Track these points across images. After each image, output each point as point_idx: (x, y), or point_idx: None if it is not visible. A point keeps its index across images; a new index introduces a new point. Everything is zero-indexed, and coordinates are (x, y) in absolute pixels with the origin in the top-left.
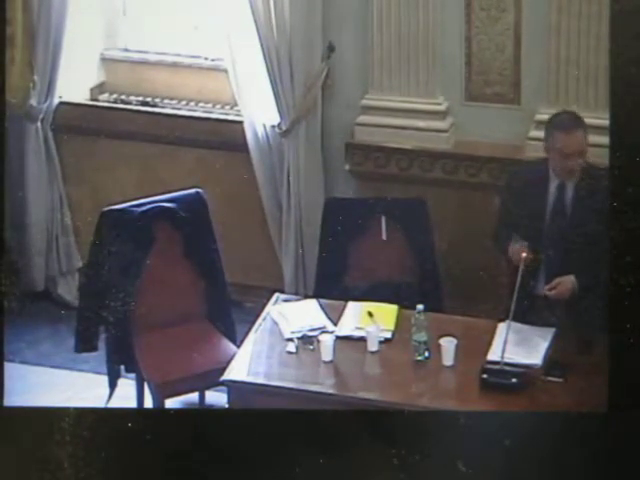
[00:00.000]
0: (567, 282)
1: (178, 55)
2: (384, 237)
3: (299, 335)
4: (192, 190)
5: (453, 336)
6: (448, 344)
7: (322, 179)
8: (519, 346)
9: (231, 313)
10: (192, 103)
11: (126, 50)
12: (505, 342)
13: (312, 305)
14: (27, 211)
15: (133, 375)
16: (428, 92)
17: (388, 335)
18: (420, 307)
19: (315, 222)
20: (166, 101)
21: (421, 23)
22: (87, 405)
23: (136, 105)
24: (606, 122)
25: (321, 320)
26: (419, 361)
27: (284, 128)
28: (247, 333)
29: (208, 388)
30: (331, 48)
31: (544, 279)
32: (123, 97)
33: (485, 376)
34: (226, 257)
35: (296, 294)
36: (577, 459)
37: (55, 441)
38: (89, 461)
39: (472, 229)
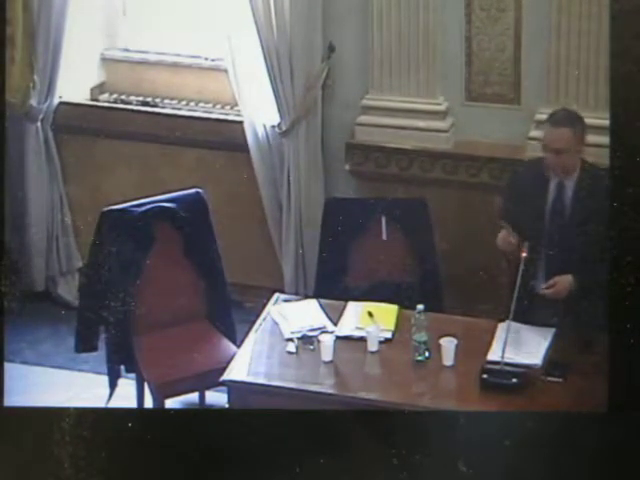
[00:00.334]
0: (564, 281)
1: (178, 55)
2: (384, 237)
3: (299, 335)
4: (192, 190)
5: (453, 336)
6: (448, 344)
7: (322, 179)
8: (519, 346)
9: (231, 313)
10: (192, 103)
11: (126, 50)
12: (505, 342)
13: (312, 305)
14: (27, 211)
15: (133, 375)
16: (428, 92)
17: (388, 335)
18: (420, 307)
19: (315, 222)
20: (166, 101)
21: (421, 23)
22: (87, 405)
23: (136, 105)
24: (606, 122)
25: (321, 320)
26: (419, 361)
27: (284, 128)
28: (247, 333)
29: (208, 388)
30: (331, 48)
31: (543, 278)
32: (123, 97)
33: (485, 376)
34: (226, 257)
35: (296, 294)
36: (577, 459)
37: (55, 441)
38: (89, 461)
39: (472, 229)
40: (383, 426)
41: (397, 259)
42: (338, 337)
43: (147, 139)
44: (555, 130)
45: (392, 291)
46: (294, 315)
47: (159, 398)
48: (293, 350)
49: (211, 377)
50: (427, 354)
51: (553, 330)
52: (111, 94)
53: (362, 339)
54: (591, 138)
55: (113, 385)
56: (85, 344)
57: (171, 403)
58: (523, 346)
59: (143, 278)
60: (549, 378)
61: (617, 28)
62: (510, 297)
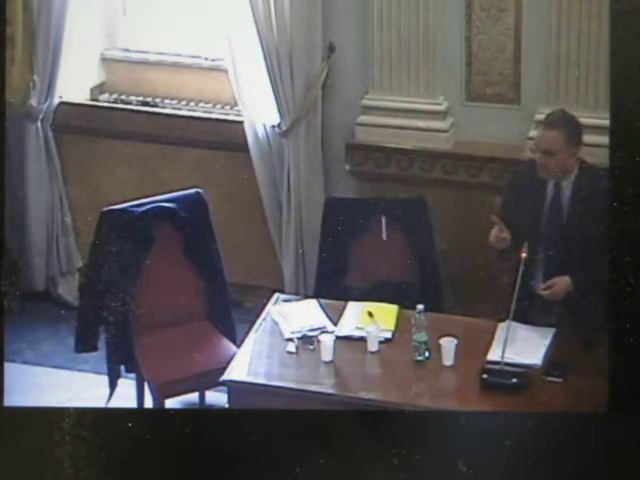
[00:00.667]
0: (562, 282)
1: (178, 55)
2: (384, 237)
3: (299, 335)
4: (192, 190)
5: (453, 336)
6: (448, 344)
7: (322, 179)
8: (519, 346)
9: (231, 313)
10: (192, 103)
11: (126, 50)
12: (505, 342)
13: (312, 305)
14: (27, 211)
15: (133, 375)
16: (428, 92)
17: (388, 335)
18: (420, 307)
19: (315, 222)
20: (166, 101)
21: (421, 23)
22: (87, 405)
23: (136, 105)
24: (606, 122)
25: (321, 320)
26: (419, 361)
27: (284, 128)
28: (247, 333)
29: (208, 388)
30: (331, 48)
31: (542, 279)
32: (123, 97)
33: (485, 376)
34: (226, 257)
35: (296, 294)
36: (577, 459)
37: (55, 441)
38: (89, 461)
39: (472, 229)
40: (383, 426)
41: (397, 259)
42: (338, 337)
43: (147, 139)
44: (546, 132)
45: (392, 291)
46: (294, 315)
47: (159, 398)
48: (293, 350)
49: (211, 377)
50: (427, 354)
51: (553, 330)
52: (111, 94)
53: (362, 339)
54: (591, 138)
55: (113, 385)
56: (85, 344)
57: (171, 403)
58: (523, 346)
59: (143, 278)
60: (549, 378)
61: (617, 28)
62: (510, 297)
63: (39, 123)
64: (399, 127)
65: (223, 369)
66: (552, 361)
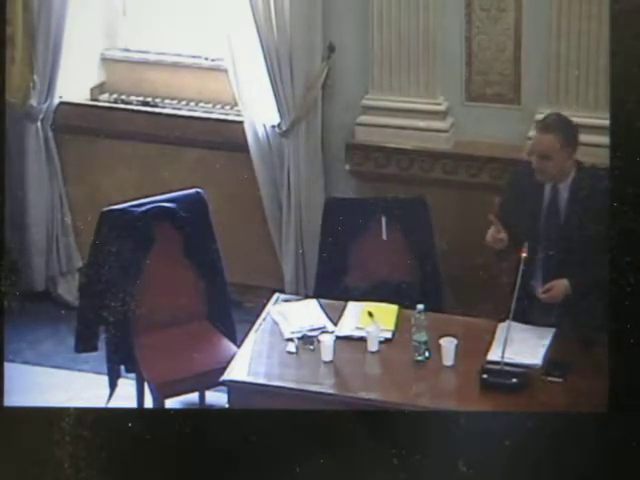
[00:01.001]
0: (559, 286)
1: (178, 55)
2: (384, 237)
3: (299, 335)
4: (192, 190)
5: (453, 336)
6: (448, 344)
7: (322, 179)
8: (519, 346)
9: (231, 313)
10: (192, 103)
11: (126, 50)
12: (505, 342)
13: (312, 305)
14: (27, 211)
15: (133, 375)
16: (428, 92)
17: (388, 335)
18: (420, 307)
19: (315, 222)
20: (166, 101)
21: (421, 23)
22: (87, 405)
23: (136, 105)
24: (606, 122)
25: (321, 320)
26: (419, 361)
27: (284, 128)
28: (247, 333)
29: (208, 388)
30: (331, 48)
31: (541, 279)
32: (123, 97)
33: (485, 376)
34: (226, 257)
35: (296, 294)
36: (577, 459)
37: (55, 441)
38: (89, 461)
39: (472, 229)
40: (383, 426)
41: (397, 259)
42: (338, 337)
43: (147, 139)
44: (542, 136)
45: (392, 291)
46: (294, 315)
47: (159, 398)
48: (293, 350)
49: (211, 377)
50: (427, 354)
51: (553, 330)
52: (111, 94)
53: (362, 339)
54: (591, 138)
55: (113, 385)
56: (85, 344)
57: (171, 403)
58: (523, 346)
59: (143, 278)
60: (549, 378)
61: (617, 28)
62: (510, 297)
63: (39, 123)
64: (399, 127)
65: (223, 369)
66: (552, 361)
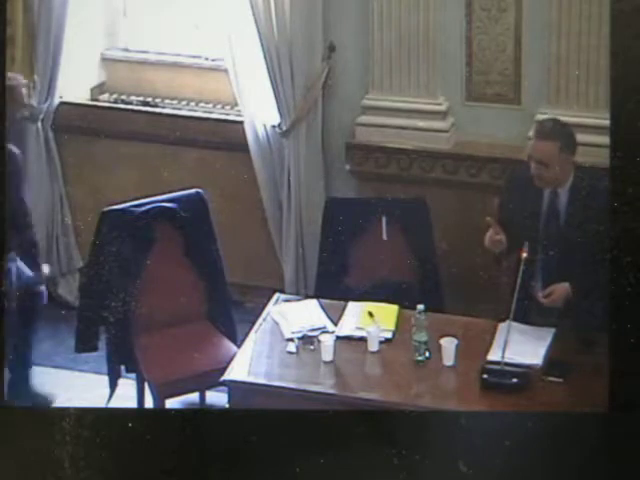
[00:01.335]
0: (560, 290)
1: (178, 55)
2: (385, 237)
3: (299, 335)
4: (192, 190)
5: (454, 336)
6: (449, 344)
7: (322, 179)
8: (519, 346)
9: (232, 313)
10: (192, 103)
11: (126, 50)
12: (505, 342)
13: (312, 305)
14: (27, 211)
15: (133, 375)
16: (429, 92)
17: (388, 335)
18: (420, 307)
19: (315, 222)
20: (166, 101)
21: (422, 23)
22: (87, 405)
23: (136, 105)
24: (606, 122)
25: (321, 320)
26: (419, 361)
27: (284, 128)
28: (248, 333)
29: (208, 388)
30: (332, 48)
31: (540, 281)
32: (123, 97)
33: (485, 376)
34: (226, 257)
35: (297, 294)
36: (577, 459)
37: (55, 441)
38: (89, 461)
39: (472, 229)
40: (383, 426)
41: (397, 259)
42: (338, 337)
43: (147, 139)
44: (540, 143)
45: (392, 291)
46: (294, 315)
47: (159, 398)
48: (293, 350)
49: (211, 377)
50: (427, 354)
51: (553, 330)
52: (111, 94)
53: (362, 339)
54: (591, 138)
55: (113, 385)
56: (85, 344)
57: (171, 403)
58: (523, 346)
59: (143, 278)
60: (549, 378)
61: (617, 28)
62: (510, 297)
63: (39, 123)
64: (399, 127)
65: (223, 369)
66: (552, 361)
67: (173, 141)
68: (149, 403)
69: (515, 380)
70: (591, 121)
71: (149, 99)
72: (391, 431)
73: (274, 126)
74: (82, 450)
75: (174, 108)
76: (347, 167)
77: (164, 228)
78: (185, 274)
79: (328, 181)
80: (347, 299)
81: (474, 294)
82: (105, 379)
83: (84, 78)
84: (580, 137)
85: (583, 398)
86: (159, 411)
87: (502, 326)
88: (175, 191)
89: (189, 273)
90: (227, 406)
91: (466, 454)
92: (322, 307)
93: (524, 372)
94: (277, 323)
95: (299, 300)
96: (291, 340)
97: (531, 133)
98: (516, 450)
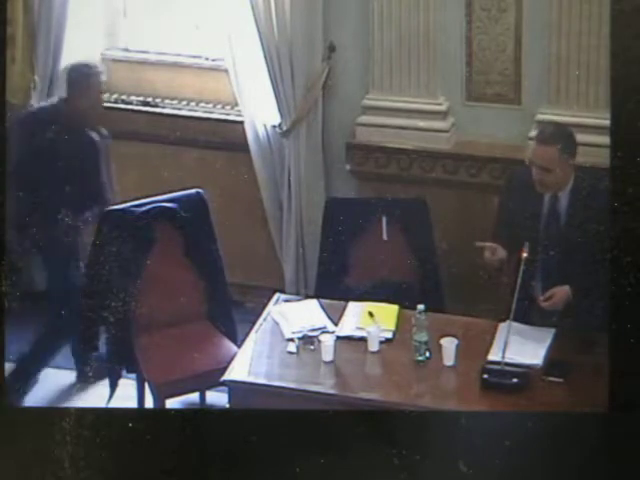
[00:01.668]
0: (560, 293)
1: (178, 55)
2: (385, 237)
3: (300, 335)
4: (193, 190)
5: (454, 336)
6: (449, 344)
7: (323, 179)
8: (520, 346)
9: (232, 313)
10: (193, 103)
11: (126, 50)
12: (506, 342)
13: (313, 305)
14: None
15: (134, 375)
16: (429, 92)
17: (389, 335)
18: (421, 307)
19: (316, 222)
20: (167, 101)
21: (422, 23)
22: (87, 405)
23: (136, 105)
24: (606, 122)
25: (322, 320)
26: (420, 361)
27: (285, 128)
28: (248, 333)
29: (209, 388)
30: (332, 48)
31: (541, 282)
32: (124, 97)
33: (486, 376)
34: (227, 257)
35: (297, 294)
36: (577, 459)
37: (56, 441)
38: (90, 461)
39: (472, 229)
40: (383, 426)
41: (397, 259)
42: (339, 337)
43: (147, 139)
44: (541, 148)
45: (392, 291)
46: (295, 315)
47: (160, 398)
48: (294, 350)
49: (212, 377)
50: (428, 354)
51: (553, 330)
52: (111, 94)
53: (363, 339)
54: (591, 138)
55: (113, 385)
56: (85, 344)
57: (171, 403)
58: (524, 346)
59: (144, 278)
60: (549, 378)
61: (617, 28)
62: (510, 297)
63: None
64: (400, 127)
65: (224, 369)
66: (552, 361)
67: (173, 141)
68: (149, 403)
69: (515, 380)
70: (591, 121)
71: (149, 99)
72: (391, 431)
73: (274, 126)
74: (82, 450)
75: (174, 108)
76: (347, 167)
77: (164, 228)
78: (185, 274)
79: (328, 181)
80: (347, 299)
81: (474, 294)
82: (105, 379)
83: None
84: (580, 137)
85: (583, 398)
86: (159, 411)
87: (502, 326)
88: (175, 191)
89: (189, 273)
90: (227, 406)
91: (466, 454)
92: (322, 307)
93: (524, 372)
94: (277, 323)
95: (299, 300)
96: (291, 340)
97: (531, 134)
98: (516, 450)
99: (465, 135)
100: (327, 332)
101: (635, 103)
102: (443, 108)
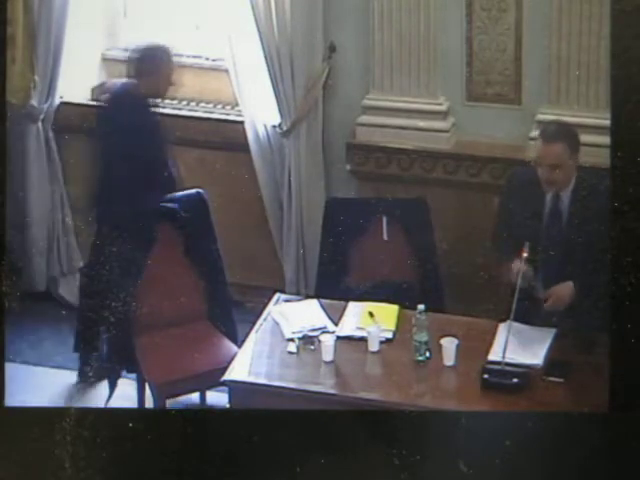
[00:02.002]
0: (563, 294)
1: (179, 55)
2: (385, 237)
3: (300, 335)
4: (193, 190)
5: (454, 336)
6: (449, 344)
7: (323, 179)
8: (520, 346)
9: (232, 313)
10: (193, 103)
11: (126, 50)
12: (506, 342)
13: (313, 305)
14: (28, 211)
15: (134, 375)
16: (429, 92)
17: (389, 335)
18: (421, 307)
19: (316, 222)
20: (167, 101)
21: (422, 23)
22: (87, 405)
23: None
24: (606, 122)
25: (322, 320)
26: (420, 361)
27: (285, 128)
28: (248, 333)
29: (209, 388)
30: (332, 48)
31: (542, 282)
32: None
33: (486, 376)
34: (227, 257)
35: (297, 294)
36: (577, 459)
37: (56, 441)
38: (90, 461)
39: (472, 229)
40: (384, 426)
41: (398, 259)
42: (339, 337)
43: None
44: (549, 146)
45: (393, 291)
46: (295, 315)
47: (160, 398)
48: (294, 350)
49: (212, 377)
50: (428, 354)
51: (554, 330)
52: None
53: (363, 339)
54: (591, 138)
55: (113, 385)
56: (85, 344)
57: (172, 403)
58: (524, 346)
59: (144, 278)
60: (550, 378)
61: (617, 28)
62: (511, 297)
63: (40, 123)
64: (400, 127)
65: (224, 369)
66: (553, 361)
67: (174, 141)
68: (149, 403)
69: (515, 380)
70: (591, 121)
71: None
72: (391, 431)
73: (274, 126)
74: (82, 450)
75: (174, 108)
76: (347, 167)
77: (164, 228)
78: (185, 274)
79: (328, 181)
80: (347, 299)
81: (474, 294)
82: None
83: (84, 78)
84: (580, 137)
85: (583, 398)
86: (159, 411)
87: (502, 326)
88: (175, 191)
89: (189, 273)
90: (228, 406)
91: (466, 454)
92: (322, 307)
93: (524, 372)
94: (277, 323)
95: (299, 300)
96: (291, 340)
97: (532, 134)
98: (516, 450)
99: (465, 135)
100: (327, 332)
101: (635, 103)
102: (443, 108)
